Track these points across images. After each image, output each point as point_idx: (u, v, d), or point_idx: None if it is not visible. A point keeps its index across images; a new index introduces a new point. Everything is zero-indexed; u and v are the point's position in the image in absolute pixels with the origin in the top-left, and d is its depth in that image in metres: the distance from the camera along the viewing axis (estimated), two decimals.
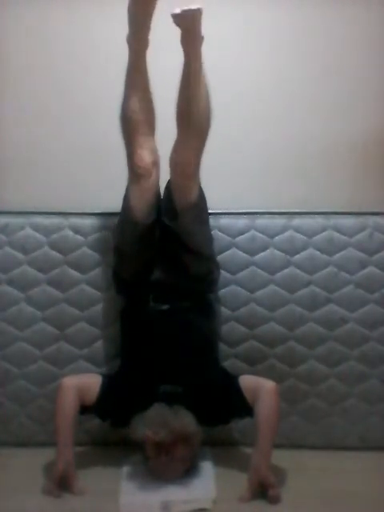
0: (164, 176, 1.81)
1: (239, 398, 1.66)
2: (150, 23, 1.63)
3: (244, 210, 2.03)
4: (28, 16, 2.13)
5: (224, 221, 2.00)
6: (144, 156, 1.74)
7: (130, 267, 1.80)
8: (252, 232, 2.00)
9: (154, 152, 1.78)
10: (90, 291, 1.95)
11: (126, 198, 1.80)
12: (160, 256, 1.80)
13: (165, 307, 1.76)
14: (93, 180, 2.14)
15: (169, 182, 1.82)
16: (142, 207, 1.76)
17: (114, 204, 1.85)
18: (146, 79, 1.72)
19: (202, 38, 1.69)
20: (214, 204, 1.89)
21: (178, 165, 1.75)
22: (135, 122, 1.72)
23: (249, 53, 2.16)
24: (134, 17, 1.62)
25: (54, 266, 1.97)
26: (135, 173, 1.76)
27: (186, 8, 1.57)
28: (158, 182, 1.81)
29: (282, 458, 1.65)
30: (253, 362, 1.90)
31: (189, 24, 1.62)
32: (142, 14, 1.61)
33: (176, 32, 1.64)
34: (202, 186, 1.82)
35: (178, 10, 1.57)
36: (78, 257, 1.98)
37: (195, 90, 1.69)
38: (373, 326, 1.92)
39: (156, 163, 1.78)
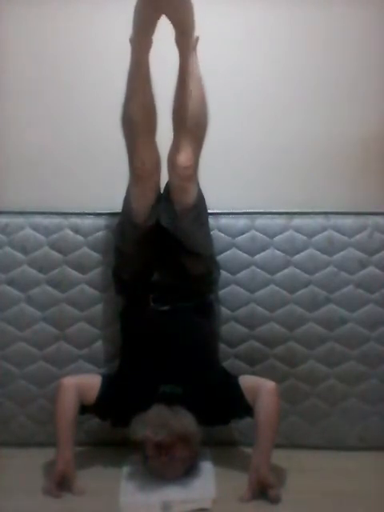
0: (163, 177, 1.81)
1: (239, 398, 1.66)
2: (155, 25, 1.62)
3: (244, 210, 2.03)
4: (28, 16, 2.14)
5: (224, 221, 2.00)
6: (145, 158, 1.73)
7: (130, 268, 1.80)
8: (252, 232, 2.00)
9: (156, 154, 1.77)
10: (89, 291, 1.95)
11: (127, 200, 1.80)
12: (160, 257, 1.79)
13: (165, 308, 1.76)
14: (93, 180, 2.14)
15: (167, 183, 1.81)
16: (142, 209, 1.76)
17: (114, 204, 1.86)
18: (148, 80, 1.70)
19: (197, 38, 1.68)
20: (213, 204, 1.90)
21: (175, 166, 1.74)
22: (137, 123, 1.71)
23: (248, 53, 2.16)
24: (141, 18, 1.61)
25: (54, 265, 1.97)
26: (136, 175, 1.76)
27: None
28: (159, 184, 1.81)
29: (281, 458, 1.65)
30: (253, 362, 1.90)
31: (180, 16, 1.61)
32: (151, 16, 1.60)
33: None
34: (202, 186, 1.82)
35: None
36: (77, 257, 1.98)
37: (190, 90, 1.69)
38: (373, 326, 1.92)
39: (157, 166, 1.77)
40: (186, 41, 1.66)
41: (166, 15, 1.60)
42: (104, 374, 1.78)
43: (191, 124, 1.71)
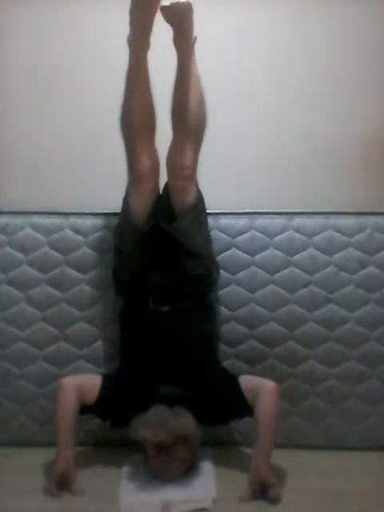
0: (162, 177, 1.81)
1: (239, 397, 1.66)
2: (151, 25, 1.61)
3: (244, 210, 2.03)
4: (28, 16, 2.14)
5: (224, 221, 2.00)
6: (144, 160, 1.73)
7: (129, 268, 1.80)
8: (252, 232, 2.00)
9: (155, 156, 1.76)
10: (90, 291, 1.95)
11: (126, 201, 1.79)
12: (159, 257, 1.79)
13: (164, 308, 1.76)
14: (93, 180, 2.14)
15: (167, 183, 1.81)
16: (141, 210, 1.76)
17: (114, 204, 1.85)
18: (147, 81, 1.69)
19: (195, 38, 1.68)
20: (213, 204, 1.90)
21: (174, 166, 1.74)
22: (135, 125, 1.70)
23: (248, 52, 2.16)
24: (136, 18, 1.60)
25: (53, 266, 1.97)
26: (135, 177, 1.75)
27: (174, 1, 1.55)
28: (158, 185, 1.81)
29: (282, 458, 1.65)
30: (253, 362, 1.90)
31: (179, 21, 1.60)
32: (145, 15, 1.59)
33: None
34: (202, 186, 1.81)
35: (167, 2, 1.54)
36: (78, 257, 1.98)
37: (188, 90, 1.68)
38: (373, 326, 1.92)
39: (156, 167, 1.77)
40: (184, 41, 1.66)
41: (164, 17, 1.59)
42: (104, 374, 1.78)
43: (190, 124, 1.71)
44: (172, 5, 1.55)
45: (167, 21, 1.60)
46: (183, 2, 1.56)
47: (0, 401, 1.88)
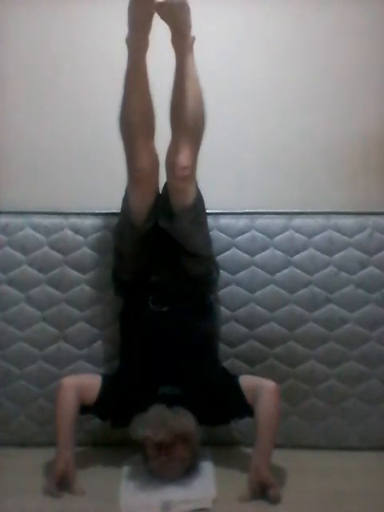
0: (162, 178, 1.80)
1: (239, 397, 1.66)
2: (150, 24, 1.61)
3: (244, 210, 2.03)
4: (28, 16, 2.14)
5: (224, 221, 2.00)
6: (143, 160, 1.72)
7: (129, 269, 1.80)
8: (252, 232, 2.00)
9: (154, 156, 1.76)
10: (89, 291, 1.95)
11: (126, 201, 1.79)
12: (159, 258, 1.79)
13: (164, 309, 1.76)
14: (93, 180, 2.14)
15: (166, 184, 1.80)
16: (141, 211, 1.75)
17: (114, 204, 1.85)
18: (145, 81, 1.69)
19: (193, 37, 1.68)
20: (213, 204, 1.90)
21: (173, 167, 1.73)
22: (134, 124, 1.70)
23: (247, 52, 2.16)
24: (133, 18, 1.60)
25: (54, 266, 1.97)
26: (134, 178, 1.75)
27: None
28: (157, 185, 1.80)
29: (282, 458, 1.65)
30: (253, 362, 1.90)
31: (175, 18, 1.60)
32: (142, 15, 1.59)
33: None
34: (202, 186, 1.81)
35: None
36: (78, 257, 1.98)
37: (187, 90, 1.68)
38: (373, 326, 1.92)
39: (155, 168, 1.76)
40: (181, 41, 1.66)
41: (160, 15, 1.59)
42: (104, 374, 1.78)
43: (189, 124, 1.70)
44: (167, 0, 1.55)
45: (163, 18, 1.60)
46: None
47: (0, 401, 1.88)
